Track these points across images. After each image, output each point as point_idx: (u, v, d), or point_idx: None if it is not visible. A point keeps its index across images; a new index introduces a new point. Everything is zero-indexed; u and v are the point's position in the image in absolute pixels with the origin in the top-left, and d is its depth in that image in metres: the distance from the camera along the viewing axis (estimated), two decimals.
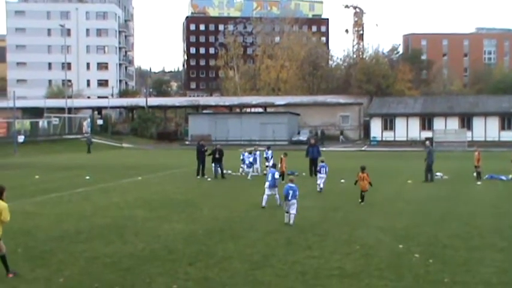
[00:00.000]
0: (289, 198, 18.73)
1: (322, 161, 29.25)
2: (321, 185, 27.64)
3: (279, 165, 31.36)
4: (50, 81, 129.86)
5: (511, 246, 15.50)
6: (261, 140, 76.21)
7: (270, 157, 37.21)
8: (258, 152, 38.14)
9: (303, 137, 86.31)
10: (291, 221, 18.60)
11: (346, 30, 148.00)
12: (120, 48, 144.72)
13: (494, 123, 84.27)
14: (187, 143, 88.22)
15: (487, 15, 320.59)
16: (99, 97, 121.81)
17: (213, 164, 35.37)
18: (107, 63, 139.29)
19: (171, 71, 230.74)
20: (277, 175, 22.83)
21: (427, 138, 74.81)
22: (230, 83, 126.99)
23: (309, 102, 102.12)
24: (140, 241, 16.25)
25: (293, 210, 18.66)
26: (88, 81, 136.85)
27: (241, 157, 37.91)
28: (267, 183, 22.38)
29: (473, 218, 19.97)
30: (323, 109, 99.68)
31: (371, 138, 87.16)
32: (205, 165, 35.98)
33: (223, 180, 34.22)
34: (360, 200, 23.57)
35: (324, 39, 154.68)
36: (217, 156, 35.20)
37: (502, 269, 13.10)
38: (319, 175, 28.15)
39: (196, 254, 14.62)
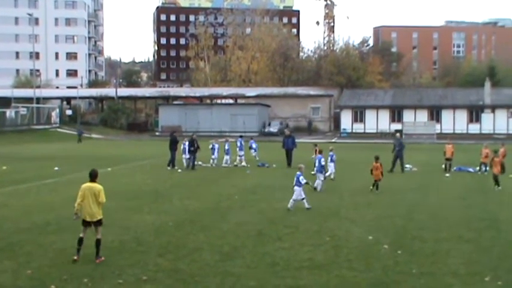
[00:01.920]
0: (294, 184, 20.09)
1: (331, 150, 29.47)
2: (331, 175, 28.27)
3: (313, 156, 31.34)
4: (17, 70, 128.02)
5: (478, 237, 15.73)
6: (232, 132, 76.07)
7: (240, 146, 37.69)
8: (228, 143, 38.11)
9: (274, 129, 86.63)
10: (289, 205, 19.97)
11: (317, 22, 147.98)
12: (89, 38, 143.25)
13: (462, 115, 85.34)
14: (157, 134, 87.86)
15: (456, 9, 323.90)
16: (68, 87, 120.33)
17: (188, 155, 35.29)
18: (76, 53, 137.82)
19: (141, 62, 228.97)
20: (323, 161, 25.06)
21: (396, 131, 75.76)
22: (201, 74, 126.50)
23: (280, 93, 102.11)
24: (110, 233, 16.11)
25: (294, 196, 20.00)
26: (57, 71, 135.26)
27: (210, 146, 37.88)
28: (315, 169, 25.17)
29: (441, 210, 20.22)
30: (293, 101, 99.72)
31: (341, 130, 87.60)
32: (175, 156, 35.84)
33: (194, 171, 34.12)
34: (371, 188, 24.64)
35: (294, 31, 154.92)
36: (196, 146, 35.26)
37: (469, 260, 13.29)
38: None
39: (166, 245, 14.59)
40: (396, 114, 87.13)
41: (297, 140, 38.82)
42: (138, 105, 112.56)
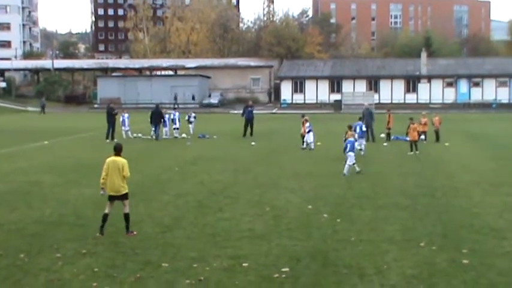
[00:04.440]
0: (347, 150, 21.04)
1: (307, 120, 29.62)
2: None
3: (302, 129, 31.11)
4: None
5: (414, 204, 16.10)
6: (171, 103, 75.48)
7: (177, 119, 37.77)
8: (167, 116, 37.96)
9: (214, 100, 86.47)
10: (345, 171, 20.92)
11: None
12: (23, 8, 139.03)
13: (400, 85, 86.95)
14: (96, 106, 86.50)
15: None
16: (1, 59, 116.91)
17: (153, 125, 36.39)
18: (9, 24, 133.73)
19: (78, 33, 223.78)
20: (364, 127, 26.58)
21: (336, 101, 76.70)
22: (140, 46, 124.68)
23: (220, 65, 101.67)
24: (47, 206, 15.89)
25: (348, 161, 21.02)
26: None
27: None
28: (356, 135, 24.79)
29: (379, 178, 20.59)
30: (234, 72, 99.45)
31: (281, 101, 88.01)
32: (115, 128, 35.43)
33: (133, 143, 33.74)
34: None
35: (234, 1, 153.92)
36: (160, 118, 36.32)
37: (406, 227, 13.59)
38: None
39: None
40: (335, 85, 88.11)
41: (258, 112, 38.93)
42: (75, 77, 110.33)
